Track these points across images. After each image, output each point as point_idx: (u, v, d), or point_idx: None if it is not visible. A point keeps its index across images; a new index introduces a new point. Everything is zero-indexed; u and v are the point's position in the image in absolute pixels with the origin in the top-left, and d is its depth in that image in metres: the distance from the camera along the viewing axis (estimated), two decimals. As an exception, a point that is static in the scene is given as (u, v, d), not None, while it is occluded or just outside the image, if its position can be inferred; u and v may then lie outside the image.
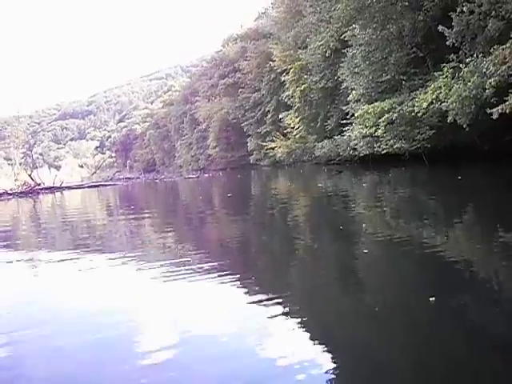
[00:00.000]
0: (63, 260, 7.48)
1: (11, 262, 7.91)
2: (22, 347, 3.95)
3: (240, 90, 72.38)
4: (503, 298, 4.35)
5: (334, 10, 26.53)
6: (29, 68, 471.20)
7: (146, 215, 14.71)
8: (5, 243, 10.34)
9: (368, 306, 4.31)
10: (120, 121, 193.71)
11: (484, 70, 15.57)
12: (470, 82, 16.33)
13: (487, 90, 15.37)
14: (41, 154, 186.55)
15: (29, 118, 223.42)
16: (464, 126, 17.28)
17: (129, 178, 61.93)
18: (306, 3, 38.67)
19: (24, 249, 9.49)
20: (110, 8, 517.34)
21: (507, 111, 14.54)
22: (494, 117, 15.01)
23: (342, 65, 31.00)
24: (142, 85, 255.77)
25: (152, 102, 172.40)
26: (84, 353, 3.72)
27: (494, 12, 16.37)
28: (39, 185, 41.06)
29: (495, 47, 15.59)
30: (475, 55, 16.79)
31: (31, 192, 37.29)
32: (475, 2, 17.18)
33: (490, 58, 15.48)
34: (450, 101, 17.39)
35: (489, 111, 15.31)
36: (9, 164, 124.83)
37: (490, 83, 15.04)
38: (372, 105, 23.99)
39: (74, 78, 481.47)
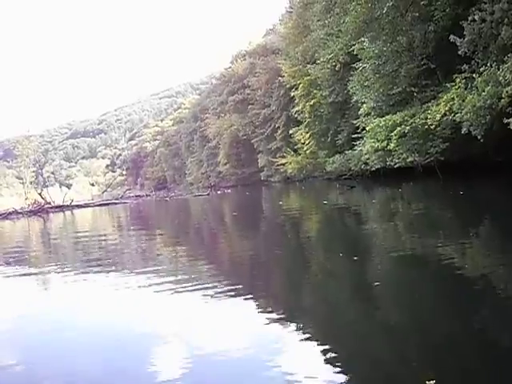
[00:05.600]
0: (74, 279, 7.52)
1: (23, 281, 7.99)
2: (35, 364, 3.96)
3: (249, 106, 72.48)
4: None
5: (343, 23, 26.20)
6: (40, 88, 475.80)
7: (157, 234, 14.42)
8: (16, 263, 10.20)
9: (382, 324, 4.20)
10: (130, 139, 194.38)
11: (500, 79, 15.13)
12: (484, 91, 15.88)
13: (502, 100, 14.92)
14: (52, 173, 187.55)
15: (40, 138, 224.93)
16: (479, 138, 16.83)
17: (139, 196, 61.80)
18: (314, 18, 38.52)
19: (35, 268, 9.41)
20: (120, 27, 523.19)
21: (525, 121, 14.12)
22: (512, 127, 14.58)
23: (351, 78, 30.71)
24: (152, 103, 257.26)
25: (162, 120, 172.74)
26: (96, 369, 3.70)
27: (506, 19, 15.96)
28: (49, 203, 40.90)
29: (509, 55, 15.19)
30: (488, 64, 16.36)
31: (41, 211, 37.10)
32: (487, 10, 16.78)
33: (505, 66, 15.04)
34: (463, 112, 16.96)
35: (505, 121, 14.85)
36: (20, 183, 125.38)
37: (507, 92, 14.59)
38: (383, 118, 23.61)
39: (85, 98, 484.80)
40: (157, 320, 4.91)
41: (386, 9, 21.70)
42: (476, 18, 17.19)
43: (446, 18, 21.12)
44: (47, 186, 79.72)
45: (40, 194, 44.98)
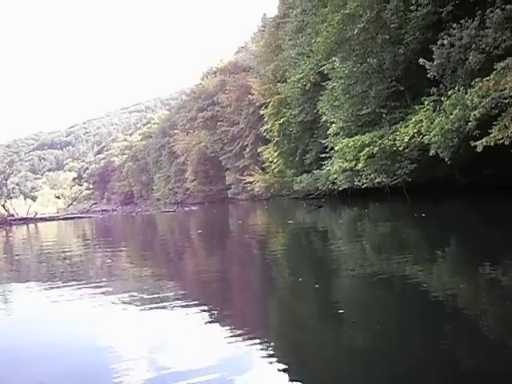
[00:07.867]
0: (37, 294, 7.41)
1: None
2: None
3: (219, 123, 72.58)
4: (490, 339, 4.05)
5: (314, 42, 26.36)
6: (7, 97, 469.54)
7: (122, 250, 14.13)
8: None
9: (348, 343, 4.25)
10: (98, 152, 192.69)
11: (467, 103, 15.30)
12: (452, 114, 16.07)
13: (470, 123, 15.09)
14: (17, 184, 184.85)
15: (6, 148, 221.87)
16: (446, 160, 17.02)
17: (105, 211, 61.25)
18: (286, 37, 38.91)
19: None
20: (90, 40, 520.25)
21: (492, 144, 14.23)
22: (479, 150, 14.68)
23: (321, 98, 30.83)
24: (121, 117, 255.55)
25: (131, 135, 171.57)
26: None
27: (474, 45, 16.22)
28: (12, 215, 40.10)
29: (476, 80, 15.39)
30: (456, 88, 16.60)
31: (3, 223, 36.33)
32: (456, 36, 17.05)
33: (473, 90, 15.24)
34: (432, 134, 17.13)
35: (473, 144, 14.99)
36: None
37: (475, 115, 14.74)
38: (352, 138, 23.67)
39: (53, 109, 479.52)
40: (120, 337, 4.83)
41: (356, 30, 21.86)
42: (445, 42, 17.46)
43: (415, 42, 21.36)
44: (11, 198, 78.35)
45: (3, 206, 44.07)
